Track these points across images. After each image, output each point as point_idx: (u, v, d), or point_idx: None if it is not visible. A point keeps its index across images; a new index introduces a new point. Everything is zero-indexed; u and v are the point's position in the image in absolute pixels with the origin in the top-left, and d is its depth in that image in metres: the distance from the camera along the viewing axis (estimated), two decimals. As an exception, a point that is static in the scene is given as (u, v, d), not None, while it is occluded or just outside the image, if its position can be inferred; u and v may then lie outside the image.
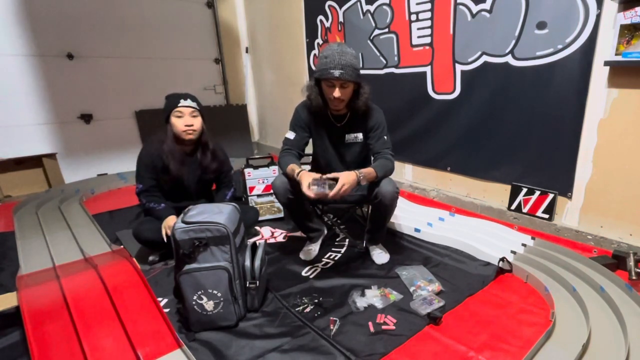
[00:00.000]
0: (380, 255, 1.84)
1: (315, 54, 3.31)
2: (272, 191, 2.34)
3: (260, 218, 2.38)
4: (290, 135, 1.80)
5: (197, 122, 1.84)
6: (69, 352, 1.16)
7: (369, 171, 1.59)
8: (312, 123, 1.81)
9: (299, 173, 1.55)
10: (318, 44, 3.23)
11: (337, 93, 1.59)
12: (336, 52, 1.55)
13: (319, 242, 1.98)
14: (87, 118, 3.34)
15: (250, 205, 2.42)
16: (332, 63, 1.54)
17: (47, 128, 3.15)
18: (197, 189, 1.98)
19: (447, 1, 2.18)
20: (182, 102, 1.79)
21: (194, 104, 1.83)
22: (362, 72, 2.81)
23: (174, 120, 1.80)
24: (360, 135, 1.80)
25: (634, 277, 1.54)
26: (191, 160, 1.91)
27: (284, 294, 1.57)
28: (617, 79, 1.66)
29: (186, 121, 1.80)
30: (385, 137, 1.77)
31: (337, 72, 1.53)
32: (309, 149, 1.93)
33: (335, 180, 1.47)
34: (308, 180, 1.46)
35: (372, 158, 1.83)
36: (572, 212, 1.95)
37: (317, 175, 1.48)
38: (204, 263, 1.30)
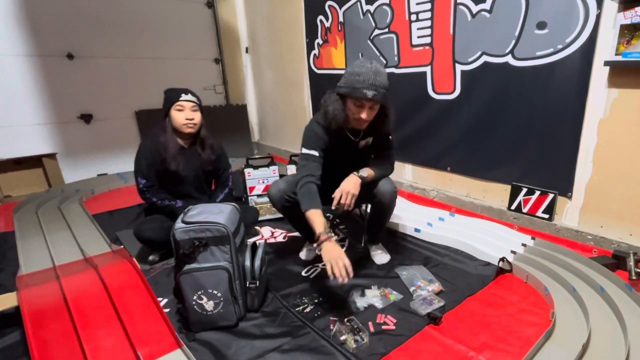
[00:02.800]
0: (380, 256, 1.84)
1: (315, 54, 3.31)
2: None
3: (260, 218, 2.38)
4: (315, 152, 1.58)
5: (197, 117, 1.87)
6: (69, 352, 1.16)
7: (369, 173, 1.59)
8: (329, 141, 1.63)
9: (322, 240, 1.36)
10: (318, 44, 3.23)
11: (364, 115, 1.46)
12: (371, 71, 1.40)
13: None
14: (87, 118, 3.34)
15: (250, 205, 2.42)
16: (366, 82, 1.39)
17: (47, 128, 3.15)
18: (196, 184, 1.97)
19: (447, 1, 2.18)
20: (184, 97, 1.82)
21: (194, 99, 1.85)
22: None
23: (174, 113, 1.82)
24: (370, 139, 1.69)
25: (634, 277, 1.54)
26: (189, 153, 1.91)
27: (284, 294, 1.57)
28: (617, 79, 1.66)
29: (187, 115, 1.82)
30: (391, 137, 1.73)
31: (370, 94, 1.39)
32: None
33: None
34: (337, 259, 1.28)
35: (373, 155, 1.77)
36: (572, 212, 1.95)
37: (344, 257, 1.31)
38: (204, 263, 1.30)
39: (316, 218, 1.43)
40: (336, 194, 1.53)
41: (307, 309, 1.46)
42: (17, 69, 2.94)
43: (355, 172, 1.57)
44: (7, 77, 2.90)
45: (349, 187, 1.52)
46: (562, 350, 1.15)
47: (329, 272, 1.28)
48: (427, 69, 2.42)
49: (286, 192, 1.68)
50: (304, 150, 1.59)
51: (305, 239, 1.98)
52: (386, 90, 1.44)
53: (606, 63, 1.63)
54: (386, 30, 2.59)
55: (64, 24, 3.10)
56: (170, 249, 1.32)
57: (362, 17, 2.74)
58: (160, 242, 1.81)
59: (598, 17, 1.65)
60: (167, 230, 1.68)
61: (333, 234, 1.39)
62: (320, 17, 3.11)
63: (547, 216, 2.02)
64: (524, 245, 1.82)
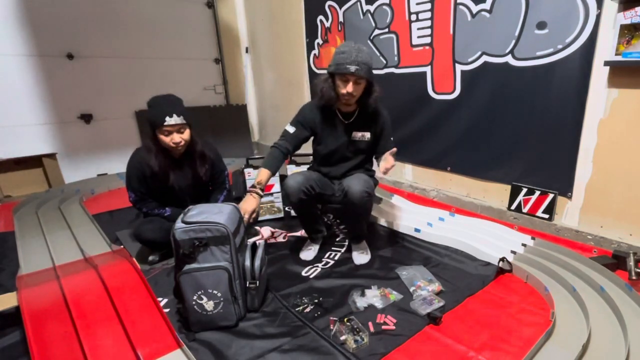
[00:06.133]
0: (360, 256, 1.84)
1: (315, 54, 3.31)
2: (271, 191, 2.38)
3: (260, 218, 2.38)
4: (290, 129, 1.81)
5: (186, 135, 1.76)
6: (69, 352, 1.16)
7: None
8: (319, 120, 1.81)
9: (249, 191, 1.65)
10: (318, 44, 3.23)
11: (350, 88, 1.62)
12: (353, 49, 1.59)
13: (319, 242, 1.98)
14: (87, 118, 3.34)
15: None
16: (349, 58, 1.57)
17: (47, 128, 3.15)
18: (193, 193, 1.93)
19: (447, 1, 2.18)
20: (168, 120, 1.66)
21: (179, 119, 1.69)
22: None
23: (161, 136, 1.71)
24: (367, 135, 1.83)
25: (634, 277, 1.54)
26: (182, 166, 1.86)
27: (284, 294, 1.57)
28: (617, 79, 1.66)
29: (174, 139, 1.71)
30: (392, 139, 1.87)
31: (352, 68, 1.57)
32: (308, 147, 1.95)
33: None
34: (253, 207, 1.60)
35: (376, 156, 1.91)
36: (572, 212, 1.95)
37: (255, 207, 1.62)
38: (204, 263, 1.30)
39: (262, 174, 1.70)
40: (388, 163, 1.64)
41: (307, 309, 1.46)
42: (17, 69, 2.94)
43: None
44: (7, 77, 2.90)
45: (391, 158, 1.65)
46: (562, 350, 1.15)
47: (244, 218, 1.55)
48: (427, 69, 2.42)
49: (304, 185, 1.71)
50: (286, 127, 1.82)
51: (307, 238, 1.99)
52: (369, 67, 1.62)
53: (606, 63, 1.63)
54: (386, 30, 2.59)
55: (64, 24, 3.10)
56: (170, 249, 1.32)
57: (362, 17, 2.74)
58: (160, 243, 1.81)
59: (598, 17, 1.65)
60: (166, 230, 1.68)
61: (261, 192, 1.66)
62: (320, 17, 3.11)
63: (547, 216, 2.02)
64: (524, 245, 1.82)
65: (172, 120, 1.67)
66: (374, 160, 1.94)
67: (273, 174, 1.74)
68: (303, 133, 1.82)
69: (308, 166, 2.09)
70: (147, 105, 1.73)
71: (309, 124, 1.81)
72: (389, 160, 1.62)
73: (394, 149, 1.64)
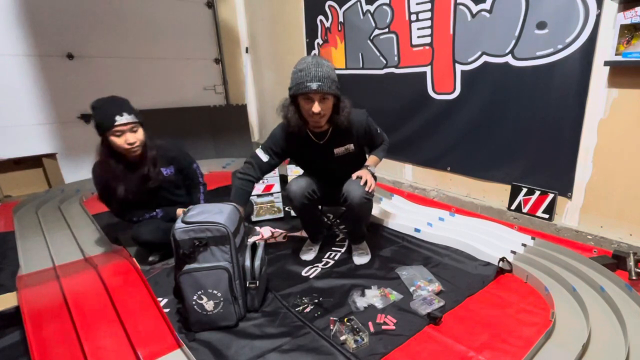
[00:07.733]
0: (360, 256, 1.84)
1: (315, 54, 3.31)
2: (271, 191, 2.38)
3: (260, 218, 2.39)
4: (263, 156, 1.69)
5: (140, 135, 1.67)
6: (69, 352, 1.16)
7: (374, 161, 1.79)
8: (292, 146, 1.69)
9: None
10: (318, 44, 3.23)
11: (316, 108, 1.46)
12: (311, 64, 1.44)
13: (319, 242, 1.98)
14: (87, 118, 3.33)
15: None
16: (308, 75, 1.42)
17: (47, 128, 3.15)
18: (167, 190, 1.88)
19: (447, 1, 2.18)
20: (119, 120, 1.58)
21: (131, 118, 1.62)
22: (361, 72, 2.85)
23: (113, 139, 1.62)
24: (351, 146, 1.72)
25: (634, 277, 1.55)
26: (143, 169, 1.75)
27: (284, 294, 1.57)
28: (617, 79, 1.66)
29: (128, 139, 1.62)
30: (378, 130, 1.80)
31: (314, 85, 1.41)
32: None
33: None
34: None
35: (369, 151, 1.89)
36: (572, 212, 1.95)
37: None
38: (204, 263, 1.30)
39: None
40: (357, 173, 1.65)
41: (307, 309, 1.46)
42: (17, 69, 2.94)
43: (366, 167, 1.72)
44: (7, 77, 2.90)
45: (365, 172, 1.66)
46: (562, 350, 1.15)
47: None
48: (427, 69, 2.42)
49: (306, 189, 1.69)
50: (257, 151, 1.71)
51: (307, 238, 1.99)
52: (333, 81, 1.47)
53: (606, 63, 1.63)
54: (386, 30, 2.59)
55: (64, 24, 3.10)
56: (170, 250, 1.32)
57: (362, 17, 2.74)
58: (159, 244, 1.79)
59: (598, 17, 1.65)
60: (163, 231, 1.66)
61: None
62: (320, 17, 3.11)
63: (547, 216, 2.02)
64: (524, 245, 1.82)
65: (123, 119, 1.59)
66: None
67: (244, 207, 1.66)
68: (275, 160, 1.73)
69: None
70: (92, 108, 1.63)
71: (283, 151, 1.72)
72: (364, 177, 1.62)
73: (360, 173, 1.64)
